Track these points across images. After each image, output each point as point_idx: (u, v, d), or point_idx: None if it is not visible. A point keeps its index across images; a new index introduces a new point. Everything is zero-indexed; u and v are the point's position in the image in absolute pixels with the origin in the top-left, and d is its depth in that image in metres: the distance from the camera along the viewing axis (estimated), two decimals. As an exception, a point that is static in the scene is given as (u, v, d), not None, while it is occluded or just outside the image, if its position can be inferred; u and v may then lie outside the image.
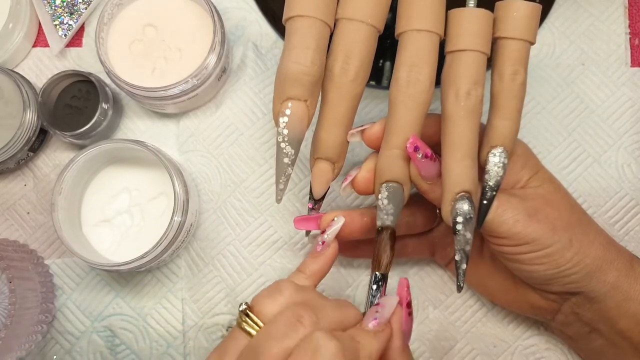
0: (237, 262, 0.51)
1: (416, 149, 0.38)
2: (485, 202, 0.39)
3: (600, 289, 0.41)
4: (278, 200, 0.40)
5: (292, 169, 0.39)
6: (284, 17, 0.39)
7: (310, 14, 0.38)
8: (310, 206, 0.44)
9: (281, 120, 0.38)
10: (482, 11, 0.39)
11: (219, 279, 0.51)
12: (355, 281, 0.51)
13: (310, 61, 0.37)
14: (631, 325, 0.42)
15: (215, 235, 0.52)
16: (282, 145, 0.38)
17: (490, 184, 0.39)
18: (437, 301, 0.51)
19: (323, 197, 0.43)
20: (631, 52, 0.55)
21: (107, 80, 0.52)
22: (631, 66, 0.54)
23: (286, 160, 0.39)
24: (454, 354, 0.50)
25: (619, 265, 0.42)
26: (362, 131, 0.41)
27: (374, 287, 0.40)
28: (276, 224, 0.52)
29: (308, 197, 0.43)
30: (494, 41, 0.40)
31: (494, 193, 0.39)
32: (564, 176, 0.52)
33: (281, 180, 0.39)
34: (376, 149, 0.41)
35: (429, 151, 0.38)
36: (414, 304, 0.50)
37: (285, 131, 0.38)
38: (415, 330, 0.50)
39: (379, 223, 0.39)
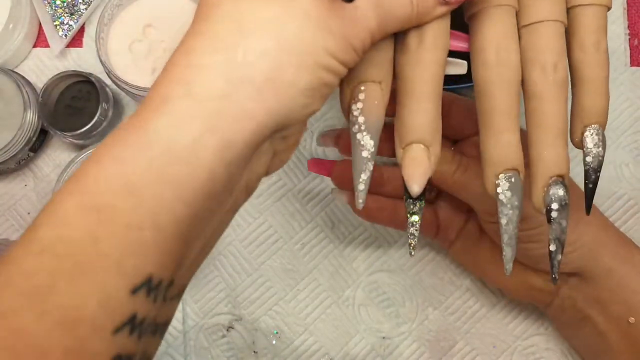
0: (237, 262, 0.52)
1: None
2: (590, 185, 0.36)
3: (594, 269, 0.41)
4: (360, 204, 0.33)
5: (373, 165, 0.33)
6: None
7: None
8: (412, 211, 0.35)
9: (354, 107, 0.33)
10: None
11: (220, 279, 0.51)
12: (355, 282, 0.51)
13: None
14: (622, 312, 0.42)
15: (216, 235, 0.52)
16: (359, 137, 0.33)
17: (593, 166, 0.36)
18: (436, 302, 0.51)
19: (424, 193, 0.34)
20: (630, 53, 0.55)
21: (108, 81, 0.52)
22: (630, 66, 0.55)
23: (365, 154, 0.33)
24: (454, 354, 0.50)
25: (617, 250, 0.42)
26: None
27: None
28: (276, 224, 0.52)
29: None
30: (568, 11, 0.36)
31: (599, 174, 0.36)
32: (563, 176, 0.53)
33: (361, 180, 0.33)
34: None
35: None
36: (413, 304, 0.51)
37: (362, 119, 0.33)
38: (415, 331, 0.50)
39: (504, 221, 0.35)
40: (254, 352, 0.50)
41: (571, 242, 0.40)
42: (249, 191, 0.32)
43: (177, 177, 0.26)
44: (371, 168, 0.33)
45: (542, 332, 0.50)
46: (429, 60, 0.33)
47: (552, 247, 0.36)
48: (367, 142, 0.33)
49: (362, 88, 0.33)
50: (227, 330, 0.51)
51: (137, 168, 0.26)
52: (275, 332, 0.51)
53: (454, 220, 0.47)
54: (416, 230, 0.35)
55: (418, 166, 0.33)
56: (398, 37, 0.34)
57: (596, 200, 0.51)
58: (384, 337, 0.50)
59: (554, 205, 0.34)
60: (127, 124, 0.27)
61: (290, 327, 0.51)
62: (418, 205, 0.35)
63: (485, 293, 0.51)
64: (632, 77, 0.54)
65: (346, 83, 0.33)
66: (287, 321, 0.51)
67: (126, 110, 0.54)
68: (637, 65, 0.55)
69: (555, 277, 0.36)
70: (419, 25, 0.33)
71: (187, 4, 0.51)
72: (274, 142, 0.30)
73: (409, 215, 0.35)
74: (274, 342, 0.50)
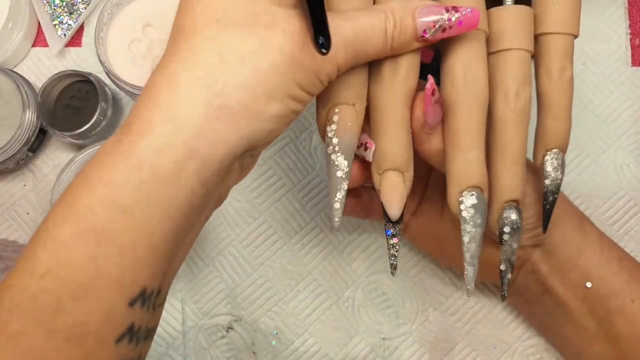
0: (237, 263, 0.51)
1: (434, 92, 0.35)
2: (548, 206, 0.39)
3: (557, 239, 0.43)
4: (336, 223, 0.35)
5: (347, 184, 0.35)
6: None
7: None
8: (391, 232, 0.37)
9: (329, 129, 0.35)
10: (523, 8, 0.37)
11: (219, 280, 0.51)
12: (354, 282, 0.51)
13: None
14: (579, 278, 0.43)
15: (215, 235, 0.52)
16: (333, 157, 0.35)
17: (552, 188, 0.38)
18: (437, 303, 0.51)
19: (402, 217, 0.37)
20: (632, 52, 0.55)
21: (107, 80, 0.52)
22: (632, 66, 0.54)
23: (339, 174, 0.35)
24: (454, 355, 0.50)
25: (573, 219, 0.44)
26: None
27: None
28: (276, 224, 0.52)
29: (384, 218, 0.37)
30: (536, 38, 0.38)
31: (556, 196, 0.39)
32: (563, 176, 0.52)
33: (337, 199, 0.35)
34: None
35: (440, 97, 0.36)
36: (413, 305, 0.51)
37: (335, 140, 0.35)
38: (415, 332, 0.50)
39: (466, 239, 0.37)
40: (254, 352, 0.50)
41: (539, 217, 0.41)
42: (220, 201, 0.35)
43: (163, 197, 0.29)
44: (345, 187, 0.35)
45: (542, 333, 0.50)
46: (402, 92, 0.35)
47: (502, 267, 0.38)
48: (341, 163, 0.35)
49: (337, 110, 0.35)
50: (227, 330, 0.50)
51: (128, 191, 0.29)
52: (275, 332, 0.50)
53: (407, 202, 0.46)
54: (397, 251, 0.38)
55: (396, 191, 0.36)
56: (373, 63, 0.36)
57: (596, 200, 0.52)
58: (383, 338, 0.50)
59: (506, 229, 0.37)
60: (112, 147, 0.29)
61: (290, 327, 0.51)
62: (397, 227, 0.37)
63: (486, 294, 0.51)
64: (632, 77, 0.54)
65: (322, 106, 0.35)
66: (286, 322, 0.51)
67: (125, 109, 0.54)
68: (639, 65, 0.54)
69: (504, 295, 0.39)
70: (393, 55, 0.35)
71: (186, 3, 0.51)
72: (243, 160, 0.33)
73: (389, 238, 0.37)
74: (273, 342, 0.50)
